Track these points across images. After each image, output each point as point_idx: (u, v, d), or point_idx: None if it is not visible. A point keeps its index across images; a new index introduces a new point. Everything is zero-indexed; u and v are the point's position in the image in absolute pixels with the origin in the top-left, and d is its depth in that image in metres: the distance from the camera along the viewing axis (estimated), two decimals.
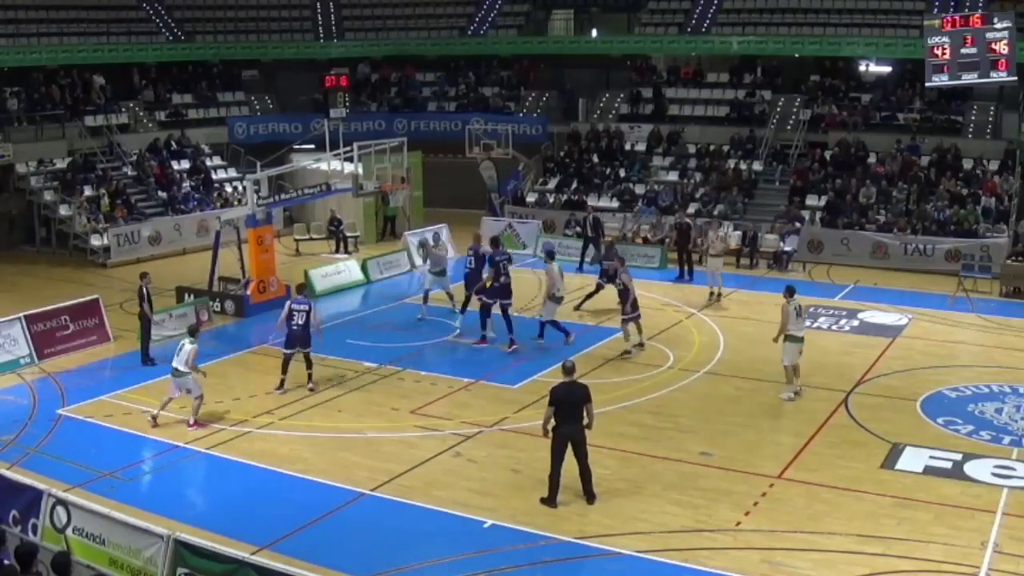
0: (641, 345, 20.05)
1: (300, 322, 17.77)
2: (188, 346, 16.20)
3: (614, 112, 37.31)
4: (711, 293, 24.24)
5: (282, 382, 17.91)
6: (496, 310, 20.60)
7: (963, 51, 20.46)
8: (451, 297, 22.88)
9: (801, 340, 17.26)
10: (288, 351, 17.92)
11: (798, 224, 29.21)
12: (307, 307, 17.93)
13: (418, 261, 26.81)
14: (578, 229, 29.69)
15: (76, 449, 15.28)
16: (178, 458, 15.12)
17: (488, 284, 20.49)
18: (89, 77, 34.40)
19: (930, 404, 17.17)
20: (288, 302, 18.30)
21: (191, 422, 16.28)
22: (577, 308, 23.09)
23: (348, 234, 31.06)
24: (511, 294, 20.56)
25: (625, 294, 19.90)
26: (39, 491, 11.70)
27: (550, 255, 20.98)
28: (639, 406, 17.15)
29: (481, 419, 16.48)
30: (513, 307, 20.78)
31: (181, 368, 16.13)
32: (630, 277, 20.15)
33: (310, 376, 18.02)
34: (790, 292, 17.39)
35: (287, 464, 14.77)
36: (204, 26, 39.39)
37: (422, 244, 25.31)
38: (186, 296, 23.51)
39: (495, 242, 21.57)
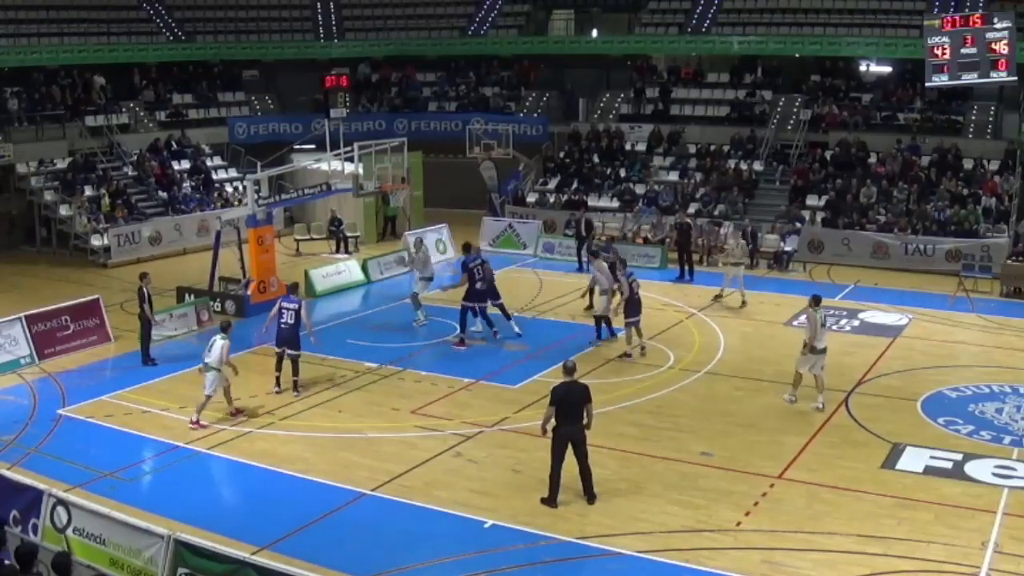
0: (643, 349, 19.89)
1: (290, 321, 17.63)
2: (220, 342, 16.27)
3: (614, 112, 37.33)
4: (718, 295, 24.10)
5: (277, 380, 17.91)
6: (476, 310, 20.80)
7: (963, 51, 20.46)
8: (417, 306, 22.62)
9: (822, 352, 16.82)
10: (278, 350, 17.90)
11: (798, 224, 29.23)
12: (296, 306, 17.76)
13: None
14: (572, 229, 29.81)
15: (76, 449, 15.28)
16: (178, 458, 15.11)
17: (466, 287, 20.55)
18: (89, 77, 34.41)
19: (930, 404, 17.17)
20: (279, 300, 18.23)
21: (194, 419, 16.26)
22: (588, 309, 23.18)
23: (348, 234, 31.07)
24: (487, 298, 20.67)
25: (622, 296, 19.84)
26: (39, 491, 11.70)
27: (596, 254, 21.41)
28: (639, 406, 17.14)
29: (481, 419, 16.48)
30: (488, 307, 20.89)
31: (211, 364, 16.19)
32: (628, 281, 19.89)
33: (296, 383, 17.81)
34: (816, 301, 16.99)
35: (287, 464, 14.76)
36: (204, 26, 39.39)
37: (411, 253, 24.93)
38: (186, 296, 23.51)
39: (467, 247, 21.63)
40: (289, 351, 17.76)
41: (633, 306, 19.76)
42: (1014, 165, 30.07)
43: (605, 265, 20.92)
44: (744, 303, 23.70)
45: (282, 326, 17.70)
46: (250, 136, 36.90)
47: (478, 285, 20.48)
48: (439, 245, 28.31)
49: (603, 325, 20.83)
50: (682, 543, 12.34)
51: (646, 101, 36.83)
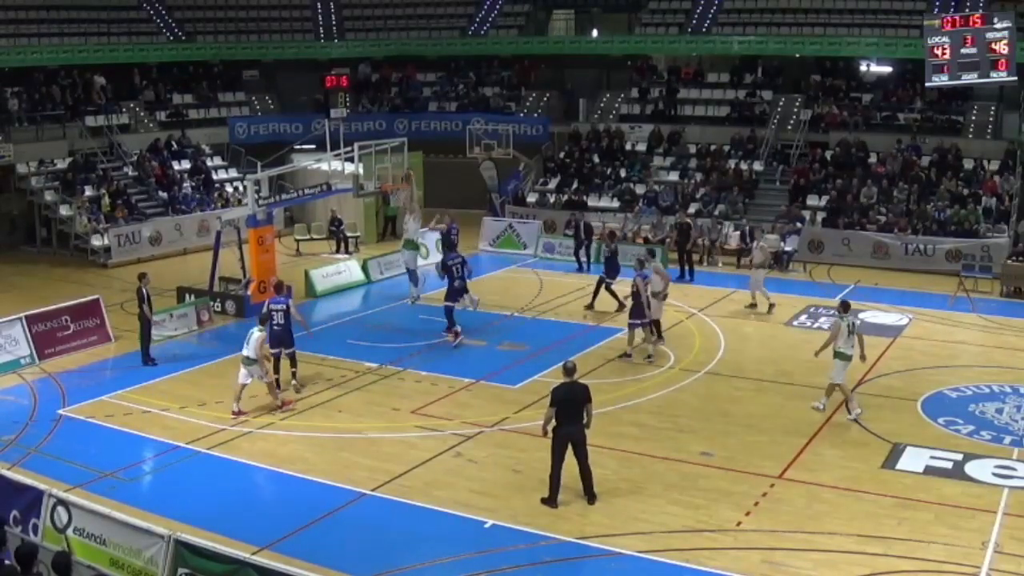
0: (650, 357, 19.60)
1: (281, 321, 17.76)
2: (257, 333, 16.66)
3: (614, 112, 37.34)
4: (751, 304, 23.48)
5: (276, 382, 17.90)
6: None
7: (963, 51, 20.43)
8: (415, 282, 23.22)
9: (850, 358, 16.49)
10: (274, 351, 17.90)
11: (799, 224, 29.22)
12: (284, 306, 17.88)
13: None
14: (571, 231, 29.82)
15: (77, 449, 15.29)
16: (178, 458, 15.12)
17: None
18: (90, 77, 34.41)
19: (931, 404, 17.18)
20: (267, 303, 18.33)
21: (279, 404, 16.85)
22: (588, 308, 23.26)
23: (349, 234, 31.08)
24: (464, 294, 21.02)
25: (636, 297, 19.51)
26: (40, 491, 11.70)
27: (642, 263, 21.37)
28: (639, 406, 17.15)
29: (482, 419, 16.48)
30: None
31: (251, 356, 16.56)
32: (645, 282, 19.56)
33: (294, 374, 18.04)
34: (844, 307, 16.67)
35: (287, 464, 14.77)
36: (205, 26, 39.40)
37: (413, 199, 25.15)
38: (187, 296, 23.50)
39: (451, 244, 21.92)
40: (285, 350, 17.91)
41: (639, 308, 19.52)
42: (1014, 165, 30.06)
43: (662, 267, 20.59)
44: (754, 305, 23.50)
45: (274, 327, 17.76)
46: (250, 136, 36.89)
47: (456, 283, 20.78)
48: (439, 245, 28.29)
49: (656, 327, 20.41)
50: (682, 543, 12.34)
51: (649, 101, 36.78)
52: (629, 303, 20.08)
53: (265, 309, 18.01)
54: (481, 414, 16.72)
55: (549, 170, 35.46)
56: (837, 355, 16.47)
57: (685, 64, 38.06)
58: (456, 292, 20.80)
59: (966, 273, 25.87)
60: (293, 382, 17.92)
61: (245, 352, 16.70)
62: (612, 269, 23.28)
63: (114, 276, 27.36)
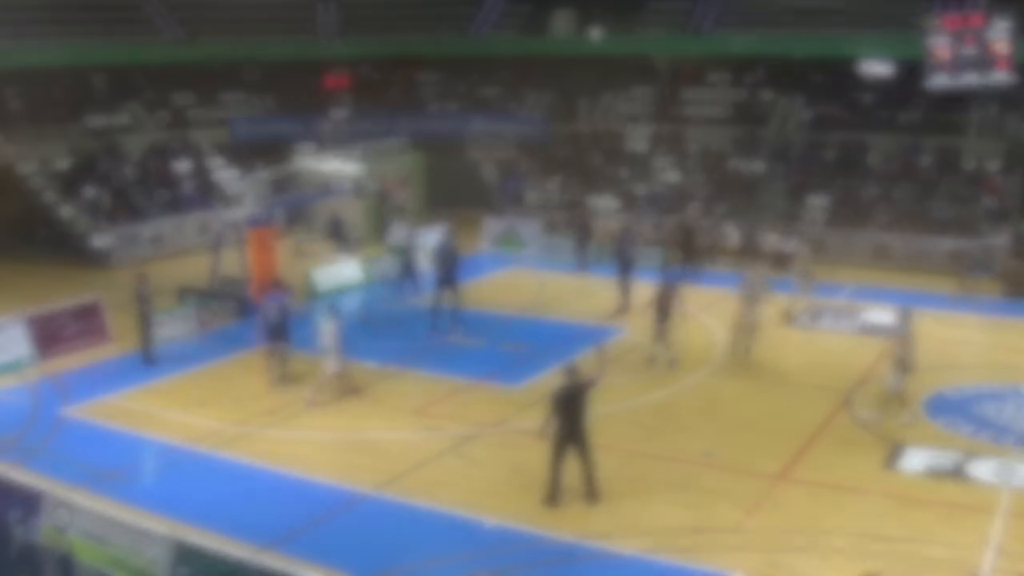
0: (654, 359, 19.49)
1: (278, 317, 17.94)
2: (327, 325, 17.11)
3: (615, 112, 37.31)
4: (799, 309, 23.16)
5: (279, 376, 18.03)
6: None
7: (963, 51, 20.45)
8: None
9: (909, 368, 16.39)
10: (272, 347, 18.05)
11: (799, 224, 29.20)
12: (280, 302, 18.12)
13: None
14: (573, 230, 29.83)
15: (77, 449, 15.32)
16: (179, 458, 15.13)
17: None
18: (90, 77, 34.39)
19: (931, 404, 17.17)
20: (264, 301, 18.45)
21: (310, 397, 17.13)
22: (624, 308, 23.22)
23: (349, 234, 31.03)
24: (446, 285, 21.57)
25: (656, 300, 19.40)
26: (40, 492, 11.71)
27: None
28: (640, 406, 17.15)
29: (483, 419, 16.49)
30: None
31: (326, 344, 17.11)
32: (668, 285, 19.39)
33: (283, 375, 18.15)
34: (904, 315, 16.51)
35: (287, 464, 14.78)
36: (205, 26, 39.37)
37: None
38: (187, 297, 23.48)
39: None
40: (282, 344, 18.10)
41: (661, 312, 19.39)
42: (1015, 165, 30.05)
43: (759, 276, 20.48)
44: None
45: (272, 324, 17.89)
46: (251, 136, 36.88)
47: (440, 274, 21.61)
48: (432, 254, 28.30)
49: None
50: (683, 543, 12.34)
51: (651, 101, 36.75)
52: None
53: (263, 309, 18.12)
54: (482, 414, 16.73)
55: (549, 170, 35.45)
56: (901, 363, 16.28)
57: (685, 64, 38.04)
58: (438, 279, 21.55)
59: (967, 273, 25.84)
60: (273, 380, 18.05)
61: (321, 342, 17.29)
62: (625, 265, 23.25)
63: (114, 276, 27.36)
